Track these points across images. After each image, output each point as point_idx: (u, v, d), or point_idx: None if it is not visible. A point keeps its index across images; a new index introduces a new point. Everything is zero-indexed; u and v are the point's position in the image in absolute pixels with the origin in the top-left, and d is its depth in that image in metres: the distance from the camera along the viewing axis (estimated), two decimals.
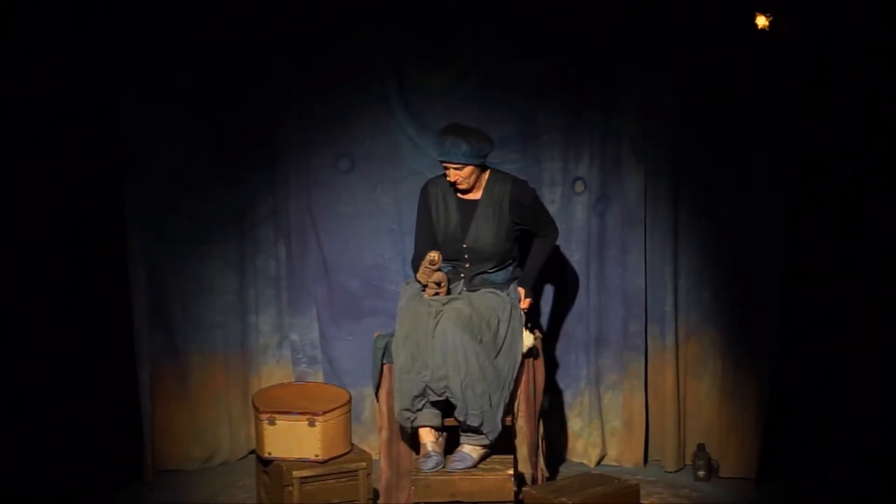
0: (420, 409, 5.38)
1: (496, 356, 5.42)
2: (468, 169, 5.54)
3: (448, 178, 5.58)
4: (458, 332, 5.31)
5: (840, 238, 6.18)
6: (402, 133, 6.31)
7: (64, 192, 6.12)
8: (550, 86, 6.22)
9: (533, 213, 5.67)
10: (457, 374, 5.28)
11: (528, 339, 5.55)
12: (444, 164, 5.55)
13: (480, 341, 5.37)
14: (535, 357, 5.62)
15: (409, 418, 5.40)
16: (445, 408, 5.40)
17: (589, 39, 6.16)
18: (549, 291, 6.37)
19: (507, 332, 5.48)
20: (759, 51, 5.87)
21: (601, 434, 6.36)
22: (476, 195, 5.65)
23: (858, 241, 6.12)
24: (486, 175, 5.65)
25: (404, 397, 5.37)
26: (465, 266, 5.65)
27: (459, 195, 5.64)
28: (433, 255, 5.46)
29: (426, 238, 5.69)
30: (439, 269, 5.49)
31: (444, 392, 5.32)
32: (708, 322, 6.23)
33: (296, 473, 5.40)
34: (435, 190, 5.68)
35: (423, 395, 5.35)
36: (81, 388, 6.20)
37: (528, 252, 5.74)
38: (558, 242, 5.98)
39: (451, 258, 5.65)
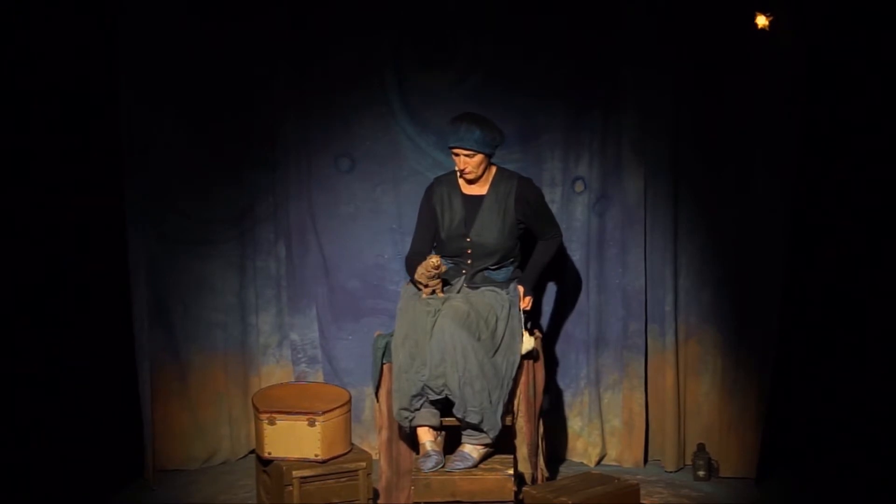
0: (418, 409, 5.38)
1: (494, 354, 5.42)
2: (478, 157, 5.54)
3: (457, 167, 5.58)
4: (455, 329, 5.31)
5: (840, 238, 6.17)
6: (402, 133, 6.31)
7: (64, 191, 6.12)
8: (550, 86, 6.23)
9: (537, 212, 5.67)
10: (454, 370, 5.28)
11: (528, 342, 5.53)
12: (455, 151, 5.55)
13: (479, 339, 5.37)
14: (535, 359, 5.61)
15: (407, 418, 5.41)
16: (445, 408, 5.40)
17: (589, 39, 6.16)
18: (549, 291, 6.37)
19: (505, 330, 5.48)
20: (759, 51, 5.87)
21: (601, 434, 6.35)
22: (482, 190, 5.65)
23: (858, 241, 6.11)
24: (493, 171, 5.66)
25: (402, 397, 5.38)
26: (466, 262, 5.65)
27: (465, 191, 5.65)
28: (435, 260, 5.45)
29: (423, 238, 5.70)
30: (437, 276, 5.48)
31: (442, 390, 5.32)
32: (708, 322, 6.23)
33: (296, 473, 5.40)
34: (440, 189, 5.69)
35: (421, 394, 5.35)
36: (82, 387, 6.20)
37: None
38: None
39: (454, 254, 5.65)
